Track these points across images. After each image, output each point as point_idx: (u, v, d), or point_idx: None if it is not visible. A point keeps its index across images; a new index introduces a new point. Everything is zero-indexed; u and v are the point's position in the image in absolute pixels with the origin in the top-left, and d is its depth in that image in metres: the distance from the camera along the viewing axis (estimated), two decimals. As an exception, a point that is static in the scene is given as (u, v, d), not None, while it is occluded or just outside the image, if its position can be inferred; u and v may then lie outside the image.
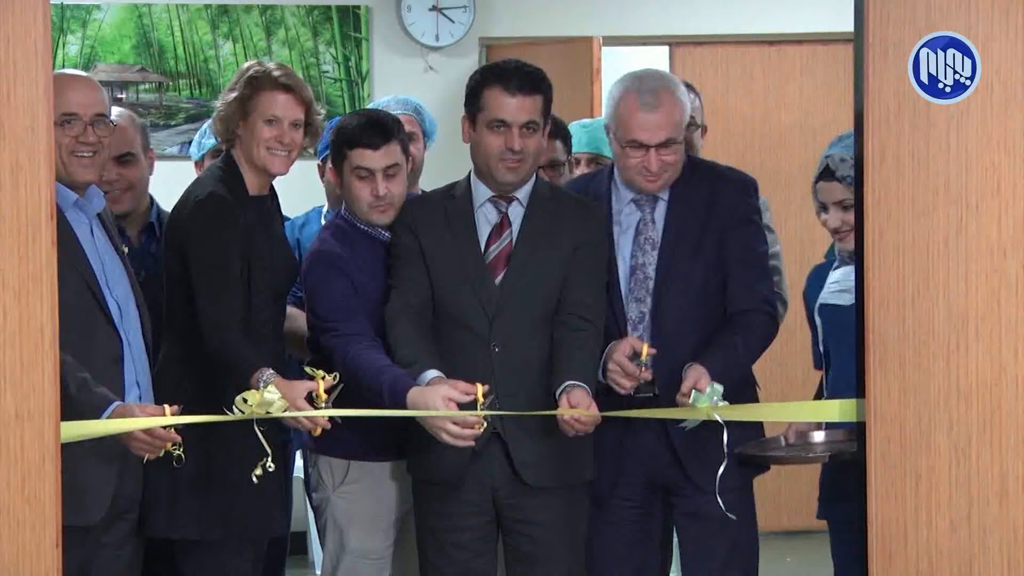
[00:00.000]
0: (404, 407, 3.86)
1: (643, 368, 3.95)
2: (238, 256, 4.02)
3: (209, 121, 5.03)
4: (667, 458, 4.13)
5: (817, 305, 4.24)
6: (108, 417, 3.64)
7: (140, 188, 4.56)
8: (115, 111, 4.71)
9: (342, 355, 4.01)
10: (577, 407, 3.87)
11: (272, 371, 3.85)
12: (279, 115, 4.09)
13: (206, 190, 4.07)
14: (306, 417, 3.78)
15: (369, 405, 3.89)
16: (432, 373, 3.92)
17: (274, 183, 4.24)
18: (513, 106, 4.05)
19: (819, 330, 4.25)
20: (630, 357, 3.96)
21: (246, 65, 4.19)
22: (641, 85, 4.12)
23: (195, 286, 3.99)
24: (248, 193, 4.13)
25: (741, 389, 4.09)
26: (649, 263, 4.11)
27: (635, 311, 4.11)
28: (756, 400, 4.29)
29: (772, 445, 4.21)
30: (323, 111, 4.30)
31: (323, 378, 3.80)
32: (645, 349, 3.95)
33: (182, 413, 3.68)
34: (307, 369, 3.87)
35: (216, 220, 4.02)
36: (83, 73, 4.50)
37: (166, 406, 3.67)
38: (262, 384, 3.79)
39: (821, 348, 4.26)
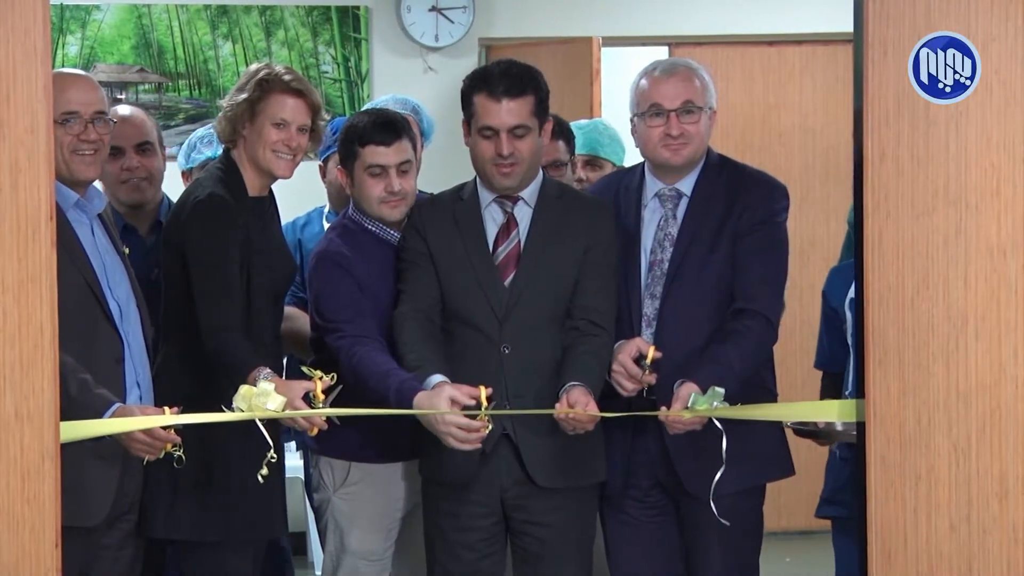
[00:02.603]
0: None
1: (647, 372, 3.94)
2: (237, 257, 4.02)
3: (199, 132, 5.07)
4: (667, 461, 4.11)
5: (848, 300, 4.36)
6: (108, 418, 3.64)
7: (158, 179, 4.65)
8: (127, 107, 4.77)
9: (347, 356, 4.01)
10: (575, 405, 3.86)
11: (270, 370, 3.85)
12: (288, 119, 4.10)
13: (206, 191, 4.07)
14: (303, 417, 3.78)
15: (374, 406, 3.88)
16: (438, 378, 3.91)
17: (274, 183, 4.24)
18: (499, 111, 4.01)
19: (848, 324, 4.38)
20: (636, 359, 3.95)
21: (255, 67, 4.20)
22: (657, 64, 4.19)
23: (194, 287, 3.99)
24: (247, 194, 4.13)
25: (755, 395, 4.01)
26: (666, 259, 4.10)
27: (650, 307, 4.09)
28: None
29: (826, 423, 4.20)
30: (328, 116, 4.31)
31: (320, 379, 3.79)
32: (651, 352, 3.93)
33: (181, 413, 3.68)
34: (305, 369, 3.86)
35: (215, 221, 4.01)
36: (82, 72, 4.51)
37: (166, 408, 3.67)
38: (259, 382, 3.78)
39: (850, 340, 4.35)
